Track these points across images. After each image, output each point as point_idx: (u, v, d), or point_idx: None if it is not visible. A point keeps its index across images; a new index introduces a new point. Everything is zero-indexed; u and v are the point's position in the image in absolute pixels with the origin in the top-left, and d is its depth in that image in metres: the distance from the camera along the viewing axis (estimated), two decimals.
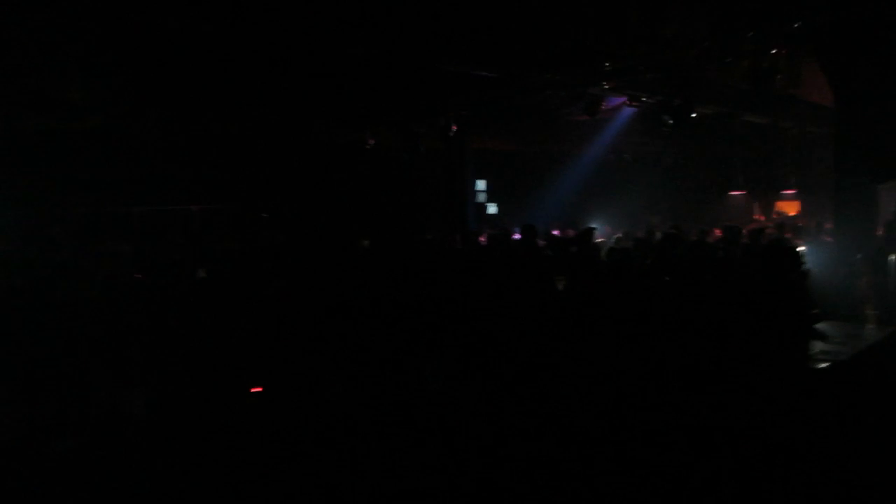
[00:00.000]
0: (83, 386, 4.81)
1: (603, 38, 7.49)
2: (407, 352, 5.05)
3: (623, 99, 10.69)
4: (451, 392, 4.88)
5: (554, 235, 9.28)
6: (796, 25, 6.49)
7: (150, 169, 12.14)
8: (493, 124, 13.38)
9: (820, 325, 5.12)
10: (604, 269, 5.34)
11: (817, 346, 4.79)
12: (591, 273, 5.30)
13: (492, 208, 17.65)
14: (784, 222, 11.10)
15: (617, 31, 7.25)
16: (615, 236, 11.13)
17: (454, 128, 11.57)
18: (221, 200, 13.26)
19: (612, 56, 8.13)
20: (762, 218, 16.11)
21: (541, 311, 4.83)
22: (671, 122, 8.51)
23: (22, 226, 10.19)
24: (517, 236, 10.54)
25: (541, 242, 7.85)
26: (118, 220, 11.96)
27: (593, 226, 9.90)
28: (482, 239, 11.29)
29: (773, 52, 7.00)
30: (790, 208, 16.61)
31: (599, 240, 10.64)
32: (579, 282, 5.29)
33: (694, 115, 8.46)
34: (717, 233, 10.03)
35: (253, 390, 4.07)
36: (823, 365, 4.35)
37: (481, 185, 16.84)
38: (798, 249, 7.24)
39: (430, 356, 5.04)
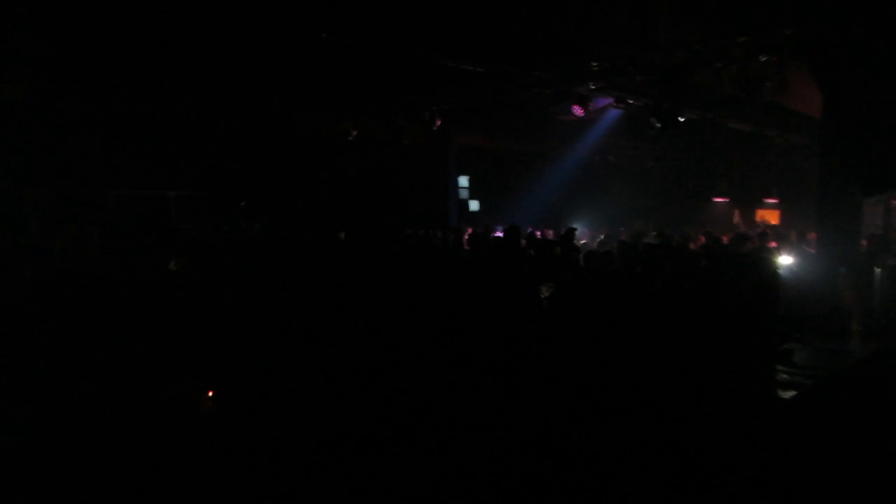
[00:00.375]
0: (33, 376, 4.51)
1: (592, 36, 7.33)
2: (382, 350, 4.86)
3: (609, 100, 10.56)
4: (426, 393, 4.70)
5: (536, 236, 9.13)
6: (788, 32, 6.38)
7: (129, 152, 11.82)
8: (477, 120, 13.20)
9: (790, 344, 5.02)
10: (588, 275, 5.19)
11: (794, 362, 4.69)
12: (575, 279, 5.15)
13: (473, 205, 17.50)
14: (766, 231, 11.07)
15: (606, 31, 7.09)
16: (598, 238, 11.02)
17: (438, 122, 11.36)
18: (199, 187, 12.96)
19: (601, 56, 7.98)
20: (742, 227, 16.13)
21: (522, 315, 4.67)
22: (658, 125, 8.38)
23: None
24: (499, 234, 10.39)
25: (521, 241, 7.70)
26: (91, 202, 11.64)
27: (574, 226, 9.78)
28: (465, 236, 11.14)
29: (764, 58, 6.89)
30: (771, 217, 16.66)
31: (582, 241, 10.53)
32: (563, 287, 5.13)
33: (682, 119, 8.35)
34: (702, 239, 9.96)
35: (209, 394, 3.82)
36: (808, 382, 4.24)
37: (463, 181, 16.67)
38: (781, 261, 7.18)
39: (406, 356, 4.85)
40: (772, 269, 4.93)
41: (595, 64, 8.50)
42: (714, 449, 3.59)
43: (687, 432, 3.76)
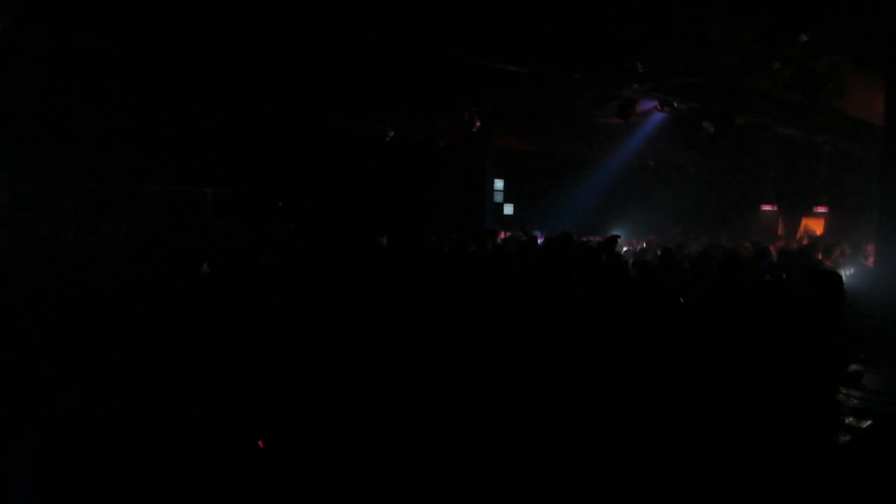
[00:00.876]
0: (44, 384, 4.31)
1: (643, 35, 7.06)
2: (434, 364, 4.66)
3: (654, 103, 10.24)
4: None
5: (582, 242, 8.84)
6: (855, 30, 6.03)
7: (166, 148, 11.86)
8: (514, 122, 12.97)
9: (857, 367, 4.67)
10: (644, 292, 4.90)
11: (864, 386, 4.36)
12: (625, 293, 4.89)
13: (508, 208, 17.26)
14: (818, 242, 10.61)
15: (659, 29, 6.81)
16: (639, 247, 10.68)
17: (478, 123, 11.16)
18: (236, 185, 12.97)
19: (651, 56, 7.68)
20: (786, 236, 15.60)
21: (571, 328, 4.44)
22: (712, 129, 8.03)
23: (35, 197, 9.97)
24: (540, 240, 10.13)
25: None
26: (130, 198, 11.72)
27: (618, 234, 9.48)
28: (500, 237, 10.92)
29: (826, 59, 6.54)
30: (815, 227, 16.07)
31: (624, 249, 10.22)
32: (611, 300, 4.89)
33: (736, 123, 8.00)
34: (749, 248, 9.57)
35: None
36: (884, 409, 3.91)
37: (499, 184, 16.44)
38: (842, 275, 6.79)
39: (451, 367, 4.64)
40: (837, 283, 4.60)
41: (642, 65, 8.21)
42: (787, 482, 3.31)
43: (752, 462, 3.48)
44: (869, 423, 3.70)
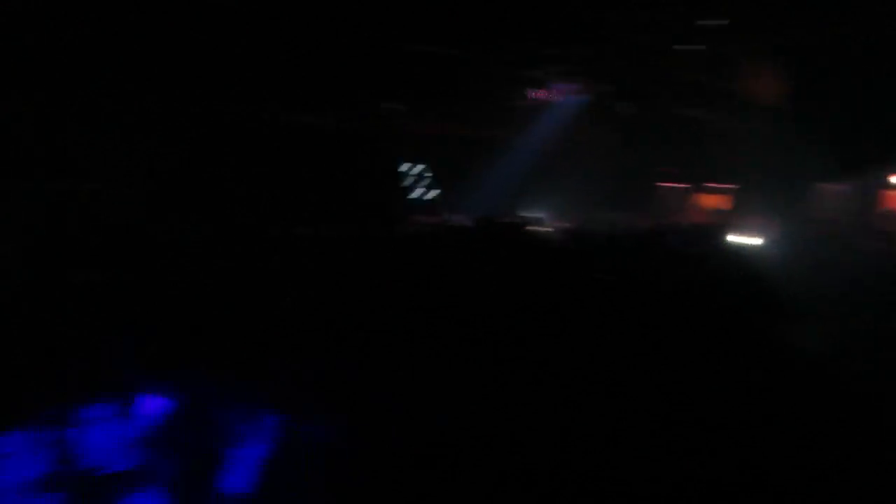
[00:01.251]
0: None
1: (559, 19, 7.16)
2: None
3: (570, 86, 10.49)
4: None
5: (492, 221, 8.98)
6: (769, 23, 6.35)
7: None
8: (434, 107, 12.89)
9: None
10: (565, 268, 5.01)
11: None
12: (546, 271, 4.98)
13: (428, 193, 17.21)
14: (729, 219, 11.25)
15: (576, 14, 6.93)
16: (560, 227, 10.97)
17: (393, 109, 11.05)
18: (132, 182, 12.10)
19: (567, 40, 7.82)
20: (692, 212, 16.43)
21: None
22: (627, 110, 8.29)
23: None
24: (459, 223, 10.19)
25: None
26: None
27: (530, 215, 9.67)
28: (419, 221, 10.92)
29: (734, 45, 6.87)
30: (720, 202, 16.99)
31: (544, 229, 10.44)
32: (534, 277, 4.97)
33: (652, 103, 8.30)
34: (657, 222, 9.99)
35: None
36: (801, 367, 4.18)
37: (417, 169, 16.38)
38: (751, 244, 7.22)
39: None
40: (746, 253, 4.89)
41: (557, 49, 8.36)
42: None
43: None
44: (789, 374, 3.95)
